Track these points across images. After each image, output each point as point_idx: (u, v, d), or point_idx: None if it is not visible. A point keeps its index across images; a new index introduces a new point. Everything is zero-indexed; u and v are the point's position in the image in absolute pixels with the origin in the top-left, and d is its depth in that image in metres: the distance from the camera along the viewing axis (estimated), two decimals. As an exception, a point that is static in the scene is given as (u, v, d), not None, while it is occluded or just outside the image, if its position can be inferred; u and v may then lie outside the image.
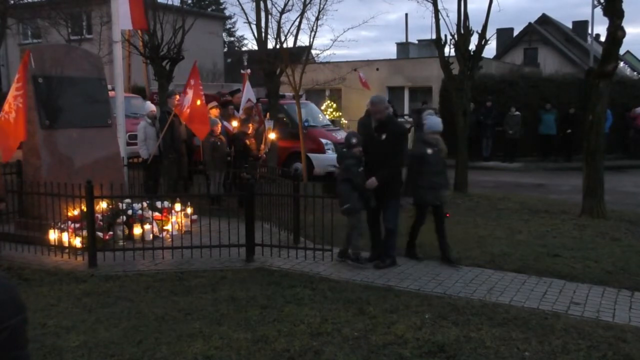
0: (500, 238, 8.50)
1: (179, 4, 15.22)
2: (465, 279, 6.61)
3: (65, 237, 7.55)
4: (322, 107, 22.38)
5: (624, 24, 9.78)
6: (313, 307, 5.58)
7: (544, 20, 40.86)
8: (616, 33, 9.84)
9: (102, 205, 7.98)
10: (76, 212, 7.72)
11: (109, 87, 10.05)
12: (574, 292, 6.15)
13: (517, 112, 20.01)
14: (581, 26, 41.14)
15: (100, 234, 7.45)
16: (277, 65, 13.30)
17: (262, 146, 11.62)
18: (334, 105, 24.51)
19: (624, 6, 9.74)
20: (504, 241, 8.31)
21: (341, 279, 6.57)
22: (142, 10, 10.68)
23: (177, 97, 10.52)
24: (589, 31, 32.86)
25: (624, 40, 9.96)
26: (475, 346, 4.73)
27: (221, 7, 44.99)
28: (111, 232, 7.84)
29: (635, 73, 39.16)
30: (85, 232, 7.35)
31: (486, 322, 5.24)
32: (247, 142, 10.96)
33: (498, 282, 6.46)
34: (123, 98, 10.69)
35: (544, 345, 4.78)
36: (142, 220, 7.87)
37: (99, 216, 7.71)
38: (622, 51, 11.63)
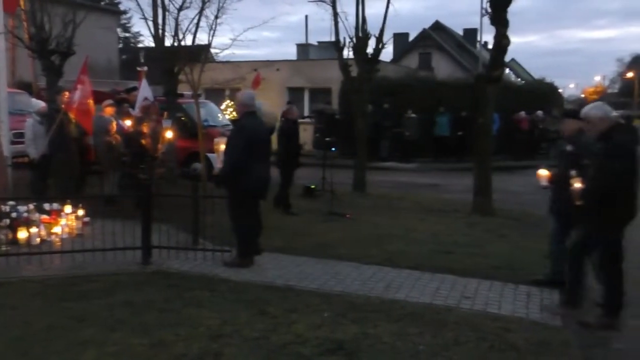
0: (397, 236, 8.77)
1: (69, -4, 14.50)
2: (363, 277, 6.75)
3: (-60, 242, 6.98)
4: (222, 107, 22.11)
5: (510, 33, 10.40)
6: (212, 309, 5.50)
7: (437, 27, 42.67)
8: (502, 41, 10.43)
9: (-16, 207, 7.46)
10: (-47, 216, 7.17)
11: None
12: (465, 287, 6.44)
13: (414, 115, 20.71)
14: (471, 34, 43.31)
15: (-19, 238, 6.95)
16: (175, 64, 12.98)
17: (159, 146, 11.29)
18: (234, 105, 24.26)
19: (510, 17, 10.36)
20: (400, 239, 8.57)
21: (241, 280, 6.50)
22: None
23: (67, 93, 10.03)
24: (478, 38, 34.67)
25: (510, 48, 10.59)
26: (373, 342, 4.84)
27: (115, 1, 43.22)
28: (-6, 237, 7.33)
29: (519, 79, 41.72)
30: (-36, 237, 6.84)
31: (383, 319, 5.37)
32: (143, 141, 10.61)
33: (395, 279, 6.65)
34: (6, 94, 10.07)
35: (437, 338, 4.97)
36: (28, 223, 7.43)
37: (-20, 219, 7.20)
38: (507, 59, 12.33)
